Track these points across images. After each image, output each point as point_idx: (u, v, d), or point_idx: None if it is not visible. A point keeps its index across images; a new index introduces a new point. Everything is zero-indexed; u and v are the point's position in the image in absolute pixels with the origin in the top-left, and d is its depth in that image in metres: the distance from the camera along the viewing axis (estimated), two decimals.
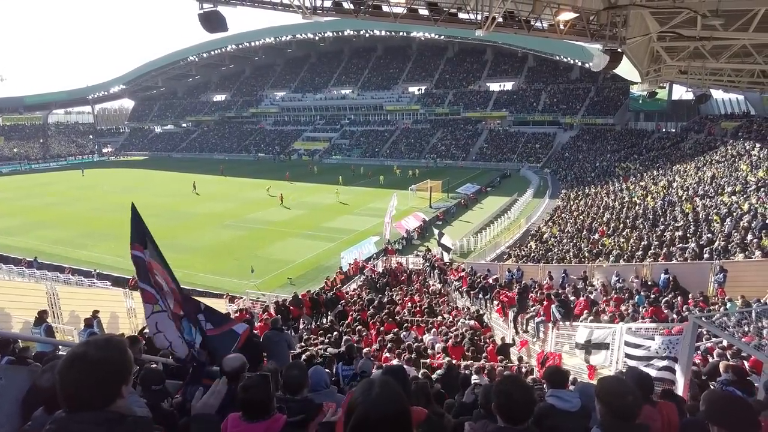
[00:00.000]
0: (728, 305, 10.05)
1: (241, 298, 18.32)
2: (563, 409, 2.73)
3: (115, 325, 11.04)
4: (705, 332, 6.53)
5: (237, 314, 12.51)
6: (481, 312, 13.18)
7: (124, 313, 12.34)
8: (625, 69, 22.86)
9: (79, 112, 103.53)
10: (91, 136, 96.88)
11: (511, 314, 10.93)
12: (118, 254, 26.90)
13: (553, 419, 2.66)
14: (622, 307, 10.53)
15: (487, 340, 9.92)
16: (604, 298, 12.07)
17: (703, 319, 4.77)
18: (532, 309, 10.16)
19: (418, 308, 13.09)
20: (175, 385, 3.98)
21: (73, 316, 10.27)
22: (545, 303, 9.94)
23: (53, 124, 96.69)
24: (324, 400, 3.05)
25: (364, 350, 7.38)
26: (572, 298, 11.21)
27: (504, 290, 12.54)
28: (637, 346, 5.68)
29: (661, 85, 24.54)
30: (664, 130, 53.05)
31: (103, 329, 9.18)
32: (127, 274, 22.98)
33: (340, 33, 76.60)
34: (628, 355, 5.98)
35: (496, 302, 12.54)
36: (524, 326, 9.98)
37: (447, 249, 24.93)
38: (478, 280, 14.68)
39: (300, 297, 12.95)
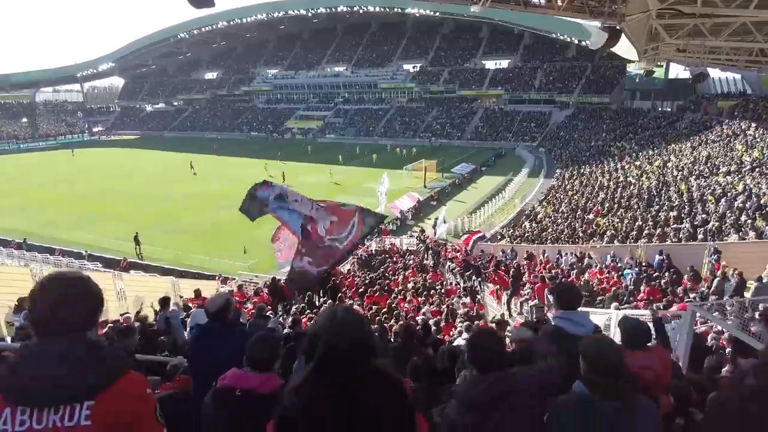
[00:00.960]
0: (715, 281, 10.03)
1: (234, 279, 18.20)
2: (574, 334, 2.54)
3: (104, 309, 10.85)
4: (699, 316, 6.46)
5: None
6: (475, 288, 13.18)
7: (113, 297, 12.20)
8: (623, 47, 22.50)
9: (67, 90, 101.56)
10: (80, 114, 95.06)
11: (504, 297, 10.89)
12: (109, 235, 26.67)
13: (564, 344, 2.48)
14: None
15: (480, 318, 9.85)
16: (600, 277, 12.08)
17: (700, 306, 4.67)
18: (524, 292, 10.10)
19: (412, 285, 13.04)
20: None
21: None
22: (538, 285, 9.88)
23: (41, 102, 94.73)
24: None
25: None
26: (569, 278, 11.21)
27: (500, 271, 12.46)
28: None
29: (659, 63, 24.24)
30: (660, 109, 52.78)
31: None
32: (119, 255, 22.83)
33: (333, 9, 75.17)
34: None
35: (490, 284, 12.51)
36: (518, 309, 9.94)
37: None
38: (473, 261, 14.66)
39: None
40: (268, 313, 6.40)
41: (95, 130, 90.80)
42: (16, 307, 6.83)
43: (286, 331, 6.28)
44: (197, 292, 10.56)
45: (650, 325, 3.54)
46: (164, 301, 6.65)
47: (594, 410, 1.96)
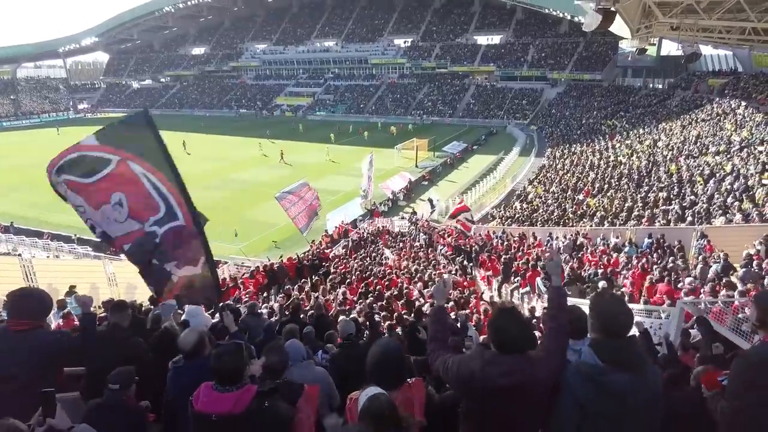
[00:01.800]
0: (699, 268, 10.18)
1: (225, 263, 18.16)
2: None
3: (95, 296, 10.82)
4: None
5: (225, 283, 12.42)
6: (465, 265, 13.32)
7: (105, 282, 12.15)
8: (616, 25, 22.23)
9: (50, 66, 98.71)
10: (62, 87, 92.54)
11: (495, 284, 11.00)
12: None
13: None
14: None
15: (472, 297, 9.93)
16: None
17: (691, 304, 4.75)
18: (515, 280, 10.20)
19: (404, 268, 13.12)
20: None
21: (51, 290, 10.00)
22: (530, 273, 9.96)
23: (23, 78, 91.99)
24: (301, 373, 3.15)
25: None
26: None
27: (493, 259, 12.53)
28: None
29: (651, 42, 24.06)
30: (651, 86, 52.66)
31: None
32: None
33: None
34: None
35: (481, 270, 12.60)
36: (509, 296, 10.05)
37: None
38: (464, 246, 14.73)
39: (283, 264, 12.87)
40: (261, 309, 6.40)
41: (80, 107, 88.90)
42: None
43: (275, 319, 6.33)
44: None
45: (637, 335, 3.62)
46: (154, 300, 6.56)
47: (606, 381, 1.98)
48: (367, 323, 5.67)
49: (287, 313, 6.63)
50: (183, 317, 5.84)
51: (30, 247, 20.16)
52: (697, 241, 12.10)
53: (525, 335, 2.12)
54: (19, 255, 13.82)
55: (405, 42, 76.89)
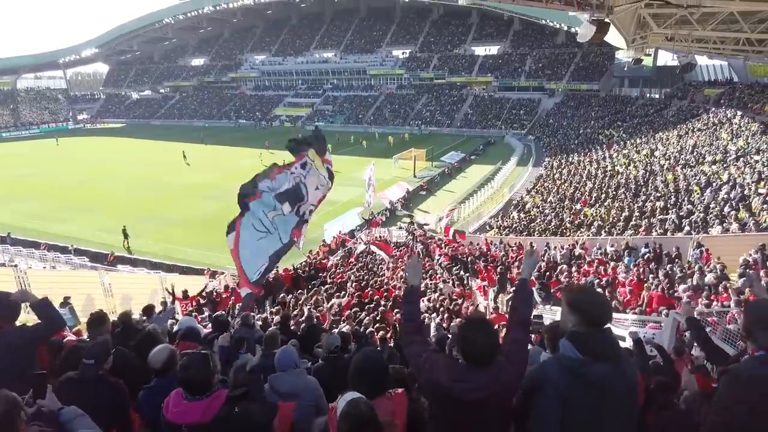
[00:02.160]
0: (695, 277, 10.15)
1: (222, 273, 18.10)
2: None
3: (90, 307, 10.78)
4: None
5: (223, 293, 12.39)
6: (462, 276, 13.27)
7: (100, 293, 12.11)
8: (611, 35, 22.41)
9: (50, 77, 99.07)
10: (61, 98, 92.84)
11: (491, 293, 10.96)
12: (96, 227, 26.38)
13: None
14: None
15: (469, 307, 9.88)
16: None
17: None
18: (511, 290, 10.15)
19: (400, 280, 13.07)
20: None
21: None
22: None
23: (23, 89, 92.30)
24: (291, 380, 3.13)
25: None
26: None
27: (490, 268, 12.50)
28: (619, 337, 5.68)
29: (647, 52, 24.27)
30: (648, 96, 53.00)
31: (76, 315, 8.94)
32: (106, 249, 22.58)
33: None
34: None
35: (478, 280, 12.56)
36: (505, 306, 10.01)
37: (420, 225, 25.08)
38: (461, 256, 14.70)
39: (279, 276, 12.81)
40: (254, 321, 6.34)
41: (80, 117, 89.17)
42: None
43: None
44: (185, 294, 10.46)
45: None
46: (148, 310, 6.51)
47: (587, 372, 1.98)
48: (353, 336, 5.61)
49: (274, 324, 6.60)
50: (177, 327, 5.81)
51: (27, 257, 20.08)
52: (693, 250, 12.11)
53: (493, 346, 2.10)
54: (15, 266, 13.76)
55: (403, 53, 77.47)
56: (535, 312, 9.26)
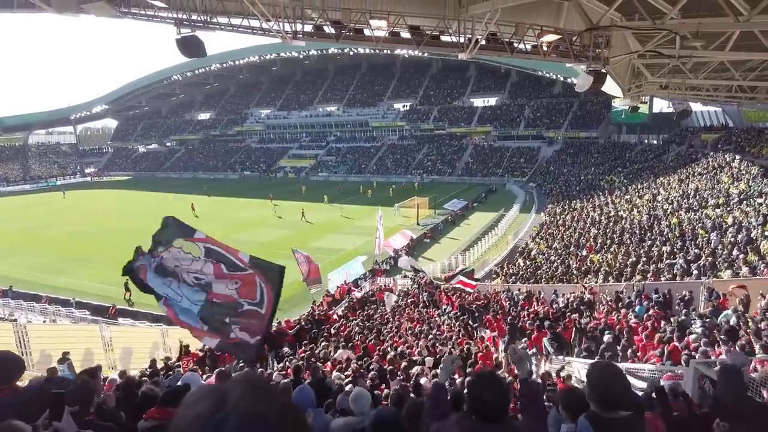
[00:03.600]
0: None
1: None
2: None
3: (89, 362, 10.50)
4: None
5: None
6: (469, 324, 12.95)
7: (100, 347, 11.83)
8: (607, 84, 23.04)
9: (60, 132, 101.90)
10: (70, 152, 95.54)
11: (501, 345, 10.66)
12: (98, 280, 26.19)
13: None
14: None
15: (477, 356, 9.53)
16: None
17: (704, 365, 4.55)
18: (523, 341, 9.89)
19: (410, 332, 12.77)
20: None
21: (44, 356, 9.74)
22: (535, 334, 9.65)
23: (34, 145, 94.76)
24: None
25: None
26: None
27: (499, 319, 12.23)
28: (637, 389, 5.44)
29: (643, 100, 24.88)
30: (646, 142, 53.88)
31: (74, 371, 8.68)
32: (107, 301, 22.31)
33: (324, 51, 77.02)
34: None
35: (487, 331, 12.26)
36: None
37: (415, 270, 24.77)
38: (468, 304, 14.43)
39: (282, 327, 12.54)
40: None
41: (87, 171, 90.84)
42: None
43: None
44: (186, 349, 10.19)
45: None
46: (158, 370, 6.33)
47: None
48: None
49: (290, 376, 6.35)
50: (179, 383, 5.62)
51: (27, 311, 19.86)
52: (706, 296, 11.86)
53: (505, 403, 2.02)
54: (15, 320, 13.56)
55: (404, 106, 79.71)
56: (545, 368, 8.99)
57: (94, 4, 9.75)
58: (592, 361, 7.68)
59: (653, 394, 3.53)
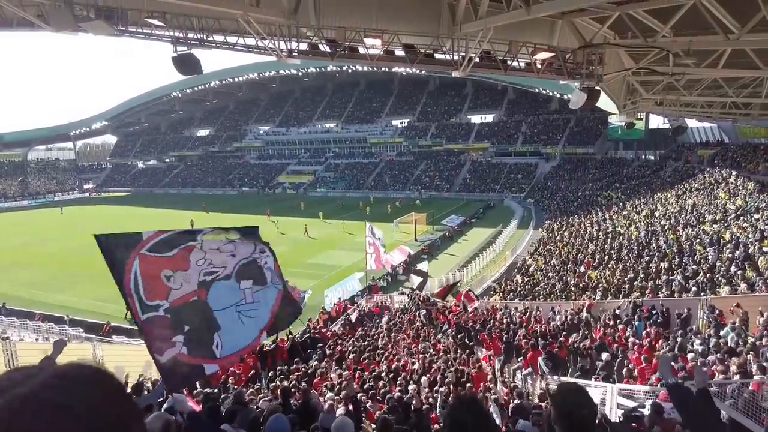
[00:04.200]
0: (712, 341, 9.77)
1: None
2: None
3: None
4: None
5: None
6: (466, 342, 12.77)
7: None
8: (603, 101, 23.27)
9: (60, 149, 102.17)
10: (69, 168, 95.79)
11: (497, 364, 10.51)
12: (93, 297, 25.98)
13: None
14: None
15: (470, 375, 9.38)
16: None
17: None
18: (518, 360, 9.76)
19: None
20: None
21: None
22: (531, 353, 9.51)
23: (33, 161, 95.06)
24: None
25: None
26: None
27: (494, 337, 12.08)
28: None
29: (638, 116, 25.09)
30: (643, 157, 54.16)
31: None
32: (102, 318, 22.07)
33: (323, 69, 77.77)
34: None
35: (483, 350, 12.10)
36: (511, 377, 9.56)
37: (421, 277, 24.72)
38: (464, 324, 14.28)
39: (278, 344, 12.38)
40: (247, 398, 6.00)
41: (86, 187, 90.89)
42: None
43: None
44: None
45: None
46: (137, 388, 6.20)
47: None
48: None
49: (277, 399, 6.24)
50: (166, 405, 5.50)
51: (20, 328, 19.63)
52: (706, 315, 11.77)
53: (483, 429, 1.90)
54: (7, 338, 13.38)
55: (402, 122, 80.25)
56: (540, 387, 8.84)
57: (91, 22, 9.81)
58: (584, 381, 7.57)
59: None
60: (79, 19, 9.92)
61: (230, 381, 9.15)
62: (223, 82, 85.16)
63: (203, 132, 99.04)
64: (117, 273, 4.48)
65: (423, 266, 28.36)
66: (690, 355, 7.77)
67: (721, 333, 10.13)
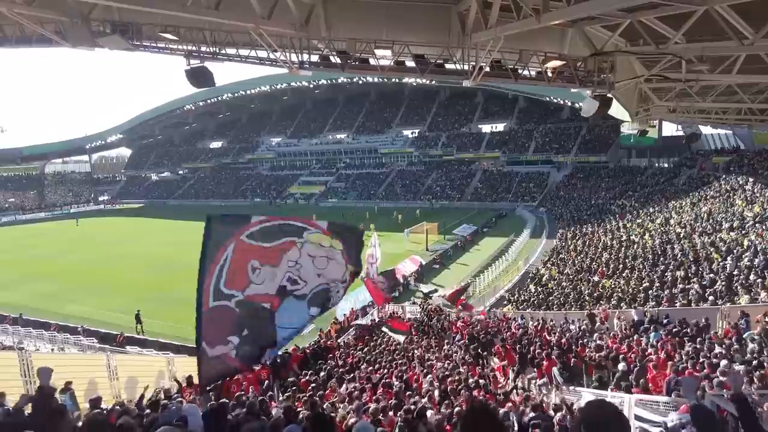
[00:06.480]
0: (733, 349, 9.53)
1: None
2: None
3: (92, 392, 10.35)
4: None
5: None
6: (480, 354, 12.62)
7: (105, 376, 11.71)
8: (615, 109, 23.09)
9: (76, 161, 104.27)
10: (84, 180, 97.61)
11: (511, 374, 10.38)
12: (108, 307, 26.26)
13: None
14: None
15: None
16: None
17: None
18: (533, 370, 9.63)
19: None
20: None
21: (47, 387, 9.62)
22: (545, 363, 9.37)
23: (50, 173, 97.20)
24: None
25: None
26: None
27: (508, 347, 11.92)
28: (650, 422, 5.21)
29: (651, 124, 24.84)
30: (656, 165, 53.58)
31: (76, 401, 8.57)
32: (116, 329, 22.28)
33: (334, 81, 78.57)
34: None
35: (496, 360, 11.96)
36: (526, 385, 9.42)
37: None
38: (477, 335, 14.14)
39: (290, 352, 12.36)
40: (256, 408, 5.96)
41: (101, 199, 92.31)
42: None
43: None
44: (189, 380, 10.02)
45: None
46: (154, 405, 6.20)
47: None
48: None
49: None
50: (177, 417, 5.48)
51: (36, 339, 19.88)
52: (730, 320, 11.51)
53: None
54: (22, 349, 13.55)
55: (412, 132, 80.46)
56: (555, 398, 8.68)
57: (108, 38, 10.02)
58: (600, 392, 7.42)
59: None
60: (96, 34, 10.15)
61: (249, 392, 9.10)
62: (236, 95, 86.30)
63: (216, 144, 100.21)
64: (210, 253, 4.60)
65: (427, 288, 28.18)
66: (723, 362, 7.55)
67: (746, 334, 9.91)
